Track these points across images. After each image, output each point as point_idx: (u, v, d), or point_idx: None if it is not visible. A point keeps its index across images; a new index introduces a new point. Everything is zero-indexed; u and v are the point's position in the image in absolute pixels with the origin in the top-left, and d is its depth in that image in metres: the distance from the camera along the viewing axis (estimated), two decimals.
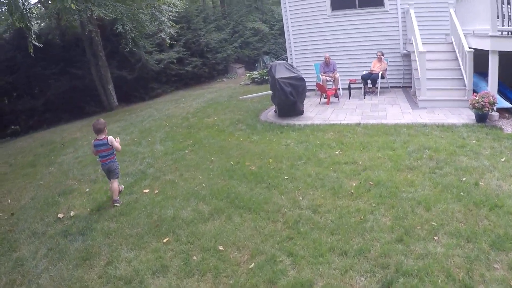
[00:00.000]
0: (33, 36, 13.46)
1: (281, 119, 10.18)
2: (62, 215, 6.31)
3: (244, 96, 14.78)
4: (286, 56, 14.63)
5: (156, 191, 6.55)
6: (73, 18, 15.56)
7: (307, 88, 10.23)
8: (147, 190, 6.67)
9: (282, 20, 14.30)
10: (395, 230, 4.44)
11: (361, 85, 12.04)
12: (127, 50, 17.96)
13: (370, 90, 12.16)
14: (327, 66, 12.29)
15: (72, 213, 6.30)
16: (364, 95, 11.70)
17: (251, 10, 28.72)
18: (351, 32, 12.80)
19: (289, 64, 10.51)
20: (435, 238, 4.21)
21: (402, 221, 4.61)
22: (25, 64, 18.87)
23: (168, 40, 19.11)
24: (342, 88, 12.33)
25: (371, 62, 12.16)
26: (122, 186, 6.88)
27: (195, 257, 4.45)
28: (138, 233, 5.23)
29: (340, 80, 12.25)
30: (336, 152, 7.09)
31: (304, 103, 10.40)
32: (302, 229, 4.70)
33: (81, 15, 15.15)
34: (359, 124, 8.73)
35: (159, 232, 5.16)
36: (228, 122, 10.75)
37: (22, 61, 18.90)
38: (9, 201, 7.56)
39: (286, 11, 13.59)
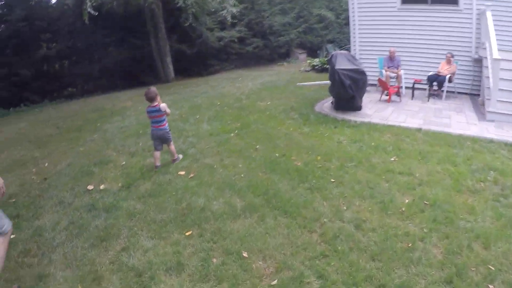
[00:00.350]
0: (89, 3, 13.42)
1: (337, 112, 9.48)
2: (92, 187, 6.06)
3: (302, 83, 14.06)
4: (349, 47, 13.70)
5: (192, 175, 6.10)
6: None
7: (368, 82, 9.39)
8: (182, 172, 6.24)
9: (348, 9, 13.28)
10: (446, 268, 3.70)
11: (426, 86, 11.03)
12: (187, 24, 17.69)
13: (435, 93, 11.10)
14: (391, 61, 11.44)
15: (102, 186, 6.04)
16: (428, 98, 10.67)
17: None
18: (420, 29, 11.66)
19: (351, 56, 9.71)
20: (491, 286, 3.46)
21: (455, 257, 3.84)
22: (86, 31, 19.21)
23: (229, 19, 18.64)
24: (405, 87, 11.39)
25: (439, 63, 11.10)
26: (180, 155, 6.95)
27: (215, 260, 3.95)
28: (162, 220, 4.82)
29: (404, 78, 11.38)
30: (391, 159, 6.32)
31: (363, 98, 9.60)
32: (340, 247, 4.05)
33: None
34: (420, 129, 7.87)
35: (184, 223, 4.71)
36: (281, 108, 10.13)
37: (82, 27, 19.24)
38: (46, 165, 7.41)
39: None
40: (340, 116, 9.11)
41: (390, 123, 8.39)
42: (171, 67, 19.36)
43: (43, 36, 19.33)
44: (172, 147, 6.57)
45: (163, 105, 6.14)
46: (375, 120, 8.64)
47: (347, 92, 8.86)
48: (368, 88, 10.33)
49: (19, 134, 11.04)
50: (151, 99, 6.11)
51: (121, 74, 20.36)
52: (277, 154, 6.72)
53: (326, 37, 26.00)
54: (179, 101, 12.60)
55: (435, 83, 10.83)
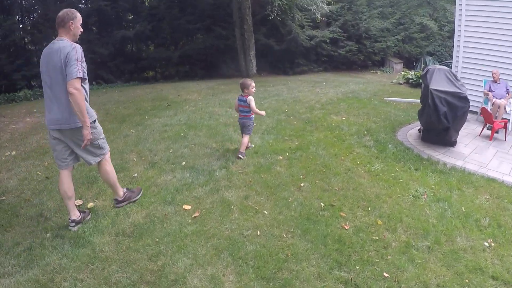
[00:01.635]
0: None
1: (423, 145, 7.31)
2: (81, 203, 4.76)
3: (390, 98, 11.76)
4: (451, 62, 11.15)
5: (196, 215, 4.38)
6: None
7: (469, 110, 6.99)
8: (188, 207, 4.56)
9: (454, 21, 10.61)
10: None
11: None
12: (271, 17, 16.13)
13: None
14: (496, 84, 9.06)
15: (91, 204, 4.71)
16: None
17: (422, 3, 24.62)
18: None
19: (453, 74, 7.33)
20: None
21: None
22: (171, 15, 18.42)
23: (319, 16, 16.69)
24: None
25: None
26: (252, 145, 6.95)
27: None
28: (117, 282, 3.21)
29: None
30: (485, 243, 3.98)
31: (460, 131, 7.35)
32: None
33: None
34: None
35: None
36: (354, 129, 8.08)
37: (167, 11, 18.52)
38: None
39: (461, 4, 10.02)
40: (427, 151, 6.91)
41: (490, 173, 6.05)
42: (254, 61, 17.87)
43: (125, 17, 18.93)
44: (246, 139, 6.42)
45: (249, 98, 6.18)
46: (470, 165, 6.34)
47: (441, 121, 6.64)
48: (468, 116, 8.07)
49: None
50: (242, 88, 6.26)
51: (202, 63, 19.41)
52: (322, 204, 4.71)
53: (426, 48, 23.31)
54: None
55: None
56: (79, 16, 3.74)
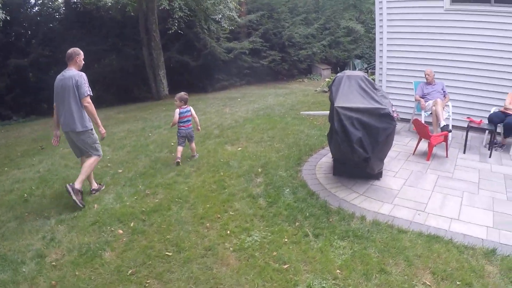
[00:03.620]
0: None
1: (336, 182, 5.14)
2: None
3: (306, 112, 9.62)
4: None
5: None
6: None
7: (395, 128, 4.80)
8: None
9: (375, 9, 8.77)
10: None
11: (485, 130, 6.64)
12: (171, 32, 14.00)
13: (499, 143, 6.53)
14: (431, 86, 7.21)
15: None
16: (490, 150, 6.15)
17: (348, 7, 22.97)
18: (477, 41, 7.06)
19: (368, 81, 5.18)
20: None
21: None
22: (71, 37, 15.74)
23: (226, 26, 14.57)
24: (452, 127, 6.90)
25: (506, 93, 6.62)
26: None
27: None
28: None
29: (453, 113, 7.07)
30: None
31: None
32: None
33: None
34: (494, 251, 3.41)
35: None
36: (247, 166, 5.85)
37: (66, 33, 15.89)
38: None
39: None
40: (338, 195, 4.73)
41: (431, 222, 3.97)
42: (164, 81, 15.42)
43: (18, 43, 16.03)
44: (194, 144, 6.63)
45: (191, 108, 6.47)
46: (402, 211, 4.23)
47: (355, 151, 4.50)
48: (397, 127, 6.20)
49: None
50: (185, 101, 6.37)
51: (112, 88, 16.85)
52: None
53: (354, 52, 21.60)
54: (129, 135, 8.75)
55: (499, 126, 6.36)
56: (82, 53, 5.00)
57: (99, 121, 4.90)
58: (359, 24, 21.89)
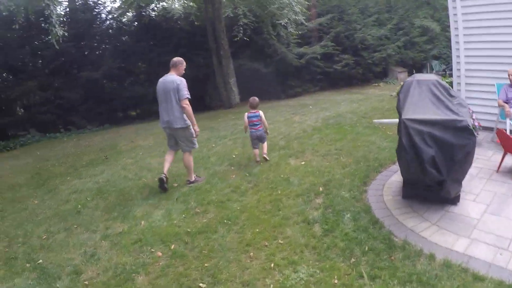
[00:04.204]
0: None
1: (405, 207, 4.37)
2: None
3: (379, 120, 8.73)
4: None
5: None
6: None
7: (476, 140, 3.92)
8: None
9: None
10: None
11: None
12: (237, 39, 13.64)
13: None
14: None
15: None
16: None
17: (421, 4, 21.28)
18: None
19: (442, 85, 4.38)
20: None
21: None
22: (142, 49, 16.26)
23: (293, 30, 13.83)
24: None
25: None
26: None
27: None
28: None
29: None
30: None
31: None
32: None
33: None
34: None
35: None
36: (307, 183, 5.24)
37: (136, 45, 16.35)
38: None
39: None
40: (406, 223, 3.96)
41: None
42: (235, 89, 15.16)
43: (90, 56, 16.74)
44: (265, 144, 6.61)
45: (261, 112, 6.45)
46: (481, 249, 3.39)
47: (427, 173, 3.74)
48: (480, 136, 5.25)
49: None
50: (252, 106, 6.42)
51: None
52: None
53: (431, 52, 19.87)
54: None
55: None
56: (185, 62, 5.80)
57: (194, 121, 5.57)
58: (434, 22, 20.13)
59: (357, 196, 4.69)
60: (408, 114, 3.93)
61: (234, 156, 7.16)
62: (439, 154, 3.72)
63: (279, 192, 5.09)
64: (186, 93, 5.42)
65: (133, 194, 5.75)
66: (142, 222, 4.61)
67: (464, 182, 4.19)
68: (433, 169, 3.72)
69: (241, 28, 12.80)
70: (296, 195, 4.92)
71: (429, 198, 4.36)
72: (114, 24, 17.73)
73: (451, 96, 4.23)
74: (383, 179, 5.21)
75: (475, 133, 3.77)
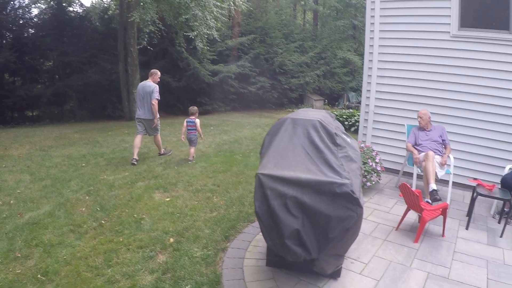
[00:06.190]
0: None
1: (268, 278, 3.30)
2: None
3: None
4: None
5: None
6: None
7: (362, 216, 3.01)
8: None
9: (365, 30, 7.12)
10: None
11: (495, 196, 4.60)
12: (140, 47, 12.39)
13: None
14: (424, 133, 5.49)
15: None
16: (503, 226, 4.39)
17: (346, 37, 21.59)
18: (491, 77, 5.46)
19: (326, 129, 3.22)
20: None
21: None
22: (43, 44, 14.42)
23: (200, 45, 12.91)
24: (453, 184, 5.19)
25: None
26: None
27: None
28: None
29: (454, 166, 5.32)
30: None
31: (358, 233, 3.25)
32: None
33: None
34: None
35: None
36: (160, 230, 4.13)
37: (37, 40, 14.51)
38: None
39: (374, 15, 6.45)
40: None
41: None
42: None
43: None
44: (192, 150, 7.23)
45: (198, 120, 7.19)
46: None
47: (287, 250, 2.69)
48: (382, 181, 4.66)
49: None
50: (192, 113, 7.17)
51: (84, 103, 15.30)
52: None
53: (349, 84, 20.16)
54: (60, 163, 7.10)
55: None
56: (159, 73, 7.30)
57: (157, 115, 7.06)
58: (356, 55, 20.43)
59: (210, 257, 3.60)
60: (266, 167, 2.84)
61: (101, 179, 5.96)
62: (308, 227, 2.69)
63: (121, 239, 3.92)
64: (156, 95, 6.92)
65: None
66: None
67: (357, 244, 3.32)
68: (298, 246, 2.68)
69: (146, 36, 11.56)
70: (138, 246, 3.77)
71: (301, 269, 3.33)
72: (20, 13, 15.55)
73: (336, 145, 3.13)
74: (251, 233, 4.16)
75: (361, 203, 2.73)
